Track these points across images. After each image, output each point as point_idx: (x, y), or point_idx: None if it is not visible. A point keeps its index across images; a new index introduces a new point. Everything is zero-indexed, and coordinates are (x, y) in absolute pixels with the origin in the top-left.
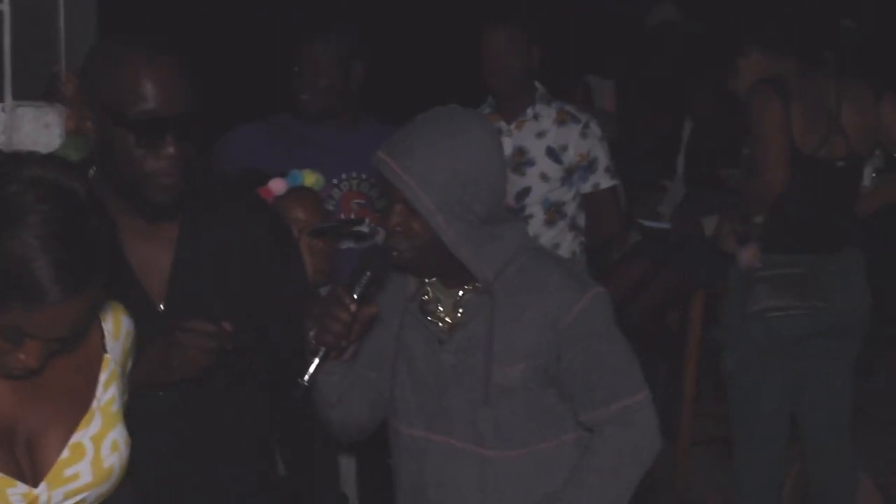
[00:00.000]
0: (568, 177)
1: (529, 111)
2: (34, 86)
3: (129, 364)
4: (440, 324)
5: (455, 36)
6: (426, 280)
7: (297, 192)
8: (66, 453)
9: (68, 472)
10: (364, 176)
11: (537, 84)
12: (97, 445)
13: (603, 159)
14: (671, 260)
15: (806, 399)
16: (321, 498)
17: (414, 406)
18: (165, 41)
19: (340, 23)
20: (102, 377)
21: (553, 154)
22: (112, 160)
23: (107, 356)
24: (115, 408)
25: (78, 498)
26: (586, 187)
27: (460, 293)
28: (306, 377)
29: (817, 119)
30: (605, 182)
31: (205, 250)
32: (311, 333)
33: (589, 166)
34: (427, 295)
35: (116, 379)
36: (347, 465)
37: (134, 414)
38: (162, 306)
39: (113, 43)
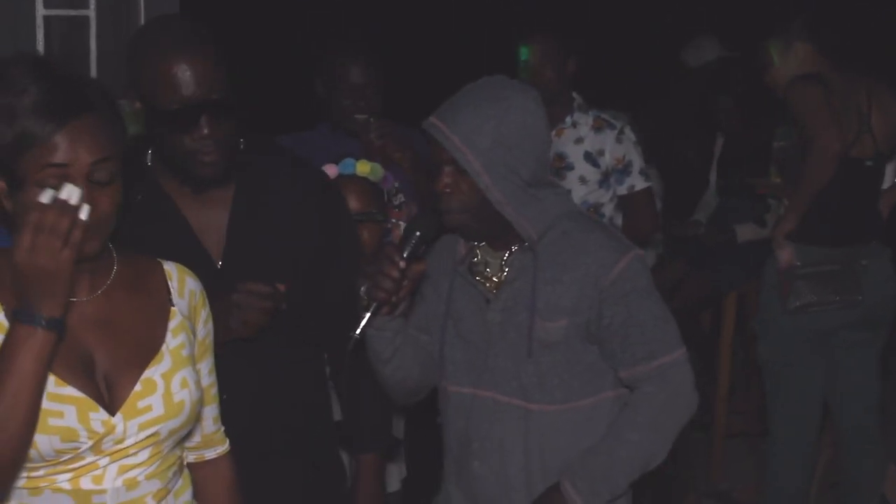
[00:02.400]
0: (605, 180)
1: (568, 119)
2: (117, 87)
3: (201, 320)
4: (487, 284)
5: (493, 47)
6: (475, 243)
7: (348, 179)
8: (138, 387)
9: (141, 404)
10: (397, 185)
11: (574, 94)
12: (167, 381)
13: (637, 162)
14: (705, 264)
15: (839, 387)
16: (374, 440)
17: (461, 364)
18: (191, 28)
19: (373, 46)
20: (171, 325)
21: (591, 158)
22: (156, 140)
23: (174, 308)
24: (186, 353)
25: (151, 430)
26: (622, 189)
27: (506, 255)
28: (358, 330)
29: (850, 118)
30: (640, 184)
31: (258, 211)
32: (363, 289)
33: (624, 169)
34: (476, 257)
35: (185, 329)
36: (396, 427)
37: None
38: (220, 264)
39: (142, 35)
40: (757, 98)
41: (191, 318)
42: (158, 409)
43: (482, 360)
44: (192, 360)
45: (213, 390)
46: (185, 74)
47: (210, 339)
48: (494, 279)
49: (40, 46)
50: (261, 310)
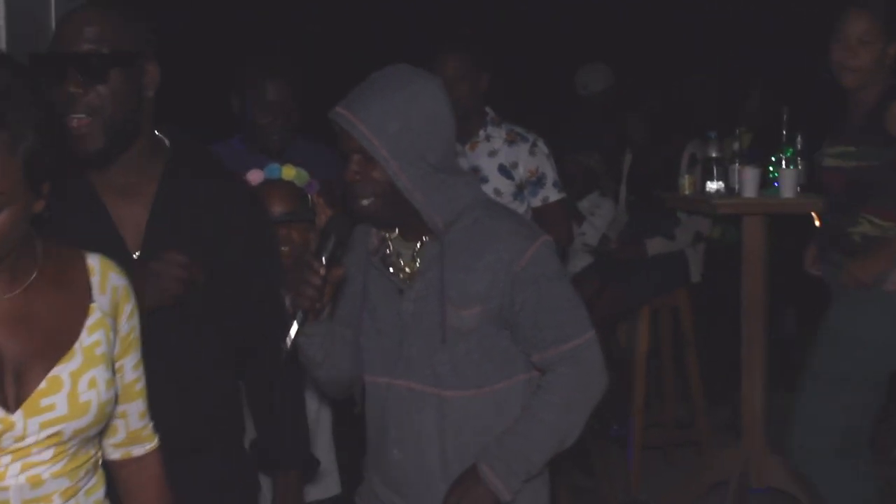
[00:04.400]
0: (519, 192)
1: (481, 133)
2: None
3: (124, 315)
4: (401, 275)
5: (410, 61)
6: (387, 235)
7: (273, 183)
8: (43, 384)
9: (44, 402)
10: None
11: (487, 108)
12: (75, 380)
13: (551, 174)
14: (617, 278)
15: None
16: (293, 456)
17: (376, 354)
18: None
19: (290, 61)
20: (87, 322)
21: (505, 171)
22: None
23: (93, 305)
24: (100, 351)
25: (53, 430)
26: (536, 201)
27: (418, 245)
28: (288, 341)
29: None
30: (554, 195)
31: (180, 210)
32: (287, 299)
33: (538, 181)
34: (388, 249)
35: (104, 327)
36: (324, 418)
37: None
38: (136, 255)
39: None
40: (663, 115)
41: (112, 315)
42: (62, 409)
43: (396, 350)
44: (108, 359)
45: (139, 385)
46: (69, 29)
47: (136, 335)
48: (407, 269)
49: None
50: (177, 278)
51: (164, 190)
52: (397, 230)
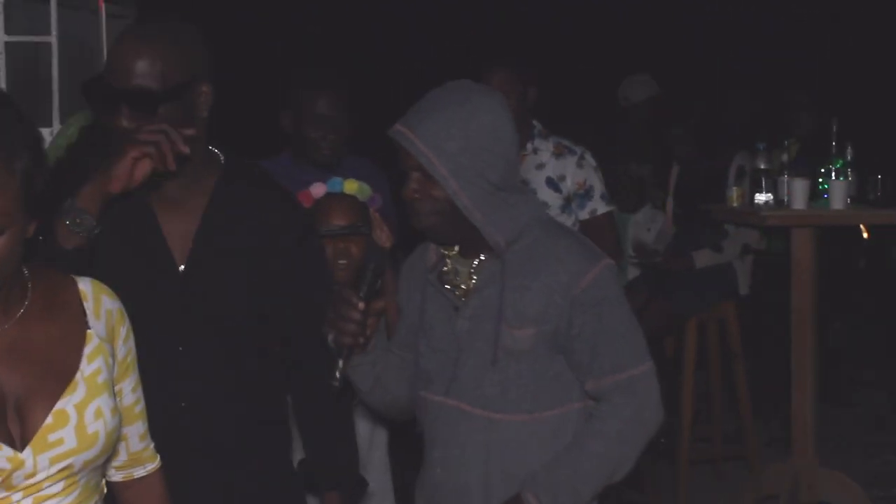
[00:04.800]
0: (567, 204)
1: (529, 146)
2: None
3: (120, 338)
4: (457, 293)
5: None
6: (445, 252)
7: (335, 197)
8: (49, 419)
9: (52, 437)
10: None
11: (535, 121)
12: (80, 412)
13: (598, 187)
14: (665, 291)
15: None
16: (339, 477)
17: (433, 372)
18: (159, 22)
19: (341, 76)
20: (86, 350)
21: (552, 184)
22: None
23: (90, 331)
24: (102, 379)
25: (64, 464)
26: (584, 214)
27: (475, 262)
28: (336, 378)
29: None
30: (602, 208)
31: (229, 224)
32: (330, 338)
33: (586, 194)
34: (446, 266)
35: (103, 353)
36: (379, 439)
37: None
38: (182, 268)
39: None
40: (709, 127)
41: (109, 340)
42: (71, 442)
43: (451, 369)
44: (110, 386)
45: (138, 407)
46: (121, 57)
47: (132, 357)
48: (464, 287)
49: (1, 73)
50: (157, 143)
51: (214, 204)
52: (457, 247)
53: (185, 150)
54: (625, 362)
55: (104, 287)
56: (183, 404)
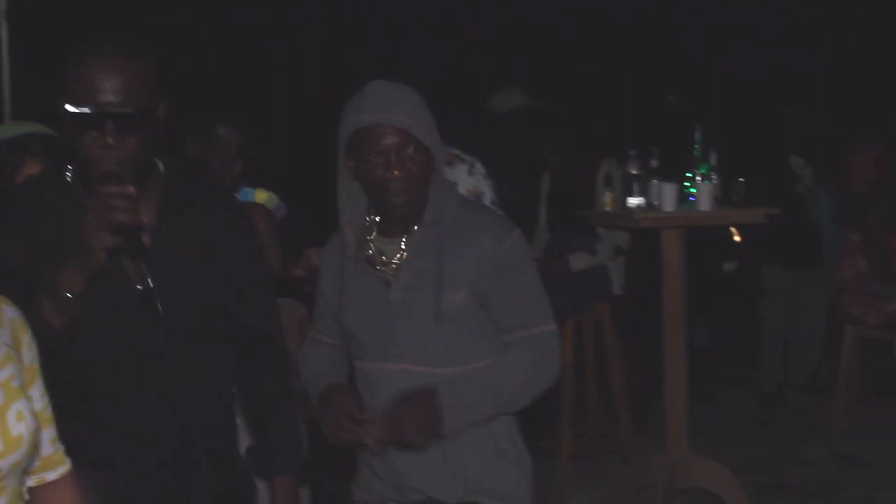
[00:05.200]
0: None
1: None
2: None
3: (25, 345)
4: (385, 269)
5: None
6: (368, 237)
7: (248, 206)
8: None
9: None
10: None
11: None
12: (3, 416)
13: (488, 194)
14: None
15: None
16: (289, 461)
17: (368, 343)
18: (123, 41)
19: (244, 108)
20: None
21: None
22: (70, 148)
23: None
24: (16, 384)
25: None
26: None
27: (404, 238)
28: (146, 281)
29: None
30: None
31: (179, 238)
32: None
33: (476, 201)
34: (370, 249)
35: (12, 360)
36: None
37: (101, 379)
38: (139, 286)
39: (78, 44)
40: (577, 137)
41: (15, 347)
42: None
43: (386, 338)
44: (24, 391)
45: (48, 412)
46: (102, 80)
47: (37, 363)
48: (393, 263)
49: None
50: (115, 210)
51: (163, 218)
52: (375, 232)
53: (143, 221)
54: (534, 320)
55: (3, 298)
56: (147, 415)
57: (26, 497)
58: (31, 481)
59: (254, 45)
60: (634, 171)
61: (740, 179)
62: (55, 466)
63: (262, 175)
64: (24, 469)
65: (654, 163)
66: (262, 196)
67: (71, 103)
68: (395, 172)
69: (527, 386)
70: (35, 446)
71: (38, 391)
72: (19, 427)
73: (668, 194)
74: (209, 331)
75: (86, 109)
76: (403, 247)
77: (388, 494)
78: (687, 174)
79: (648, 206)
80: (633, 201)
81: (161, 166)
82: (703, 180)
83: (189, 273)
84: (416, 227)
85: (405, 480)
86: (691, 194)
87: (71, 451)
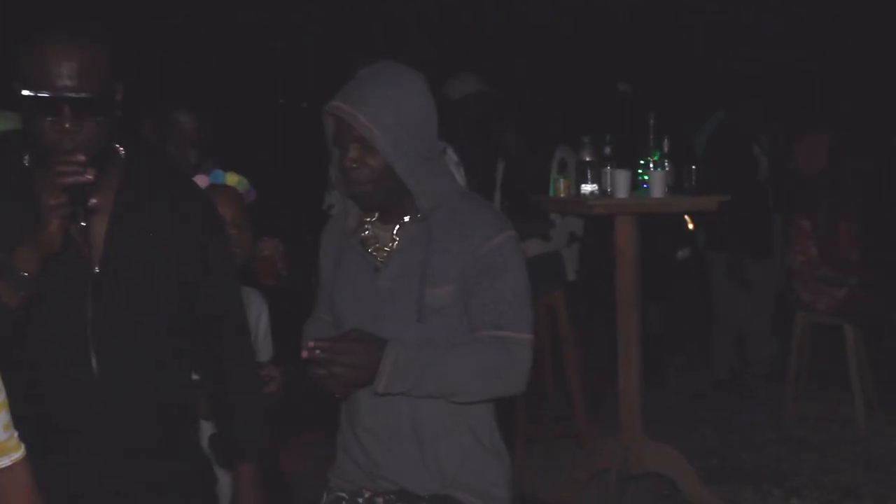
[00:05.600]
0: None
1: None
2: None
3: None
4: (377, 255)
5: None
6: (366, 219)
7: (219, 188)
8: None
9: None
10: None
11: None
12: None
13: (459, 181)
14: None
15: None
16: (252, 448)
17: (356, 325)
18: (80, 27)
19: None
20: None
21: None
22: (28, 133)
23: None
24: None
25: None
26: None
27: (397, 227)
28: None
29: None
30: None
31: (138, 223)
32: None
33: None
34: (366, 231)
35: None
36: None
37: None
38: (97, 269)
39: (36, 29)
40: (532, 123)
41: None
42: None
43: (371, 324)
44: None
45: (0, 397)
46: (58, 65)
47: None
48: (385, 250)
49: None
50: (64, 179)
51: (121, 203)
52: (377, 214)
53: (90, 178)
54: (506, 323)
55: None
56: (101, 401)
57: None
58: None
59: (254, 45)
60: (588, 158)
61: (692, 167)
62: (8, 452)
63: (261, 172)
64: None
65: (607, 150)
66: (232, 179)
67: (28, 88)
68: (353, 165)
69: (477, 382)
70: None
71: None
72: None
73: (621, 181)
74: (165, 315)
75: (43, 94)
76: (395, 235)
77: (362, 482)
78: (640, 161)
79: (602, 192)
80: (587, 188)
81: (121, 151)
82: (655, 167)
83: (146, 257)
84: (406, 218)
85: (378, 469)
86: (644, 181)
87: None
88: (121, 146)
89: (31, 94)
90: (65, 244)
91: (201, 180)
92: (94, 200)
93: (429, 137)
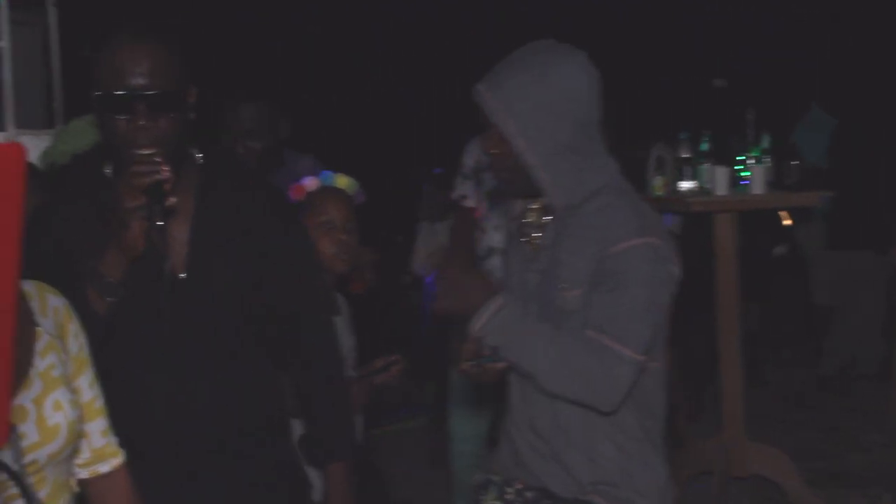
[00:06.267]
0: None
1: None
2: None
3: (71, 335)
4: (531, 245)
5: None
6: (529, 205)
7: (330, 190)
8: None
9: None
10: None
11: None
12: (39, 406)
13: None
14: None
15: None
16: (342, 448)
17: None
18: (149, 28)
19: (263, 91)
20: (37, 347)
21: None
22: (103, 132)
23: (39, 329)
24: (56, 373)
25: (28, 458)
26: None
27: (552, 217)
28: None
29: None
30: None
31: (219, 225)
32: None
33: None
34: (525, 217)
35: (55, 349)
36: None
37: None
38: (183, 275)
39: (108, 34)
40: (625, 120)
41: (59, 336)
42: (33, 436)
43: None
44: (66, 380)
45: (98, 403)
46: (131, 64)
47: (85, 353)
48: (539, 241)
49: None
50: (143, 175)
51: (201, 206)
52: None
53: (166, 174)
54: (611, 331)
55: (47, 286)
56: (189, 406)
57: (75, 489)
58: (84, 473)
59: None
60: (686, 155)
61: (793, 163)
62: (107, 458)
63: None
64: (67, 460)
65: (704, 146)
66: (342, 181)
67: (102, 90)
68: (492, 151)
69: (560, 374)
70: (75, 437)
71: (86, 381)
72: (56, 417)
73: (720, 178)
74: (247, 317)
75: (117, 92)
76: (544, 229)
77: (515, 474)
78: (738, 157)
79: (700, 189)
80: (685, 185)
81: (197, 155)
82: (756, 163)
83: (228, 260)
84: (553, 215)
85: (524, 465)
86: (743, 178)
87: None
88: (196, 150)
89: (106, 93)
90: (146, 250)
91: (311, 182)
92: (172, 199)
93: (574, 126)
